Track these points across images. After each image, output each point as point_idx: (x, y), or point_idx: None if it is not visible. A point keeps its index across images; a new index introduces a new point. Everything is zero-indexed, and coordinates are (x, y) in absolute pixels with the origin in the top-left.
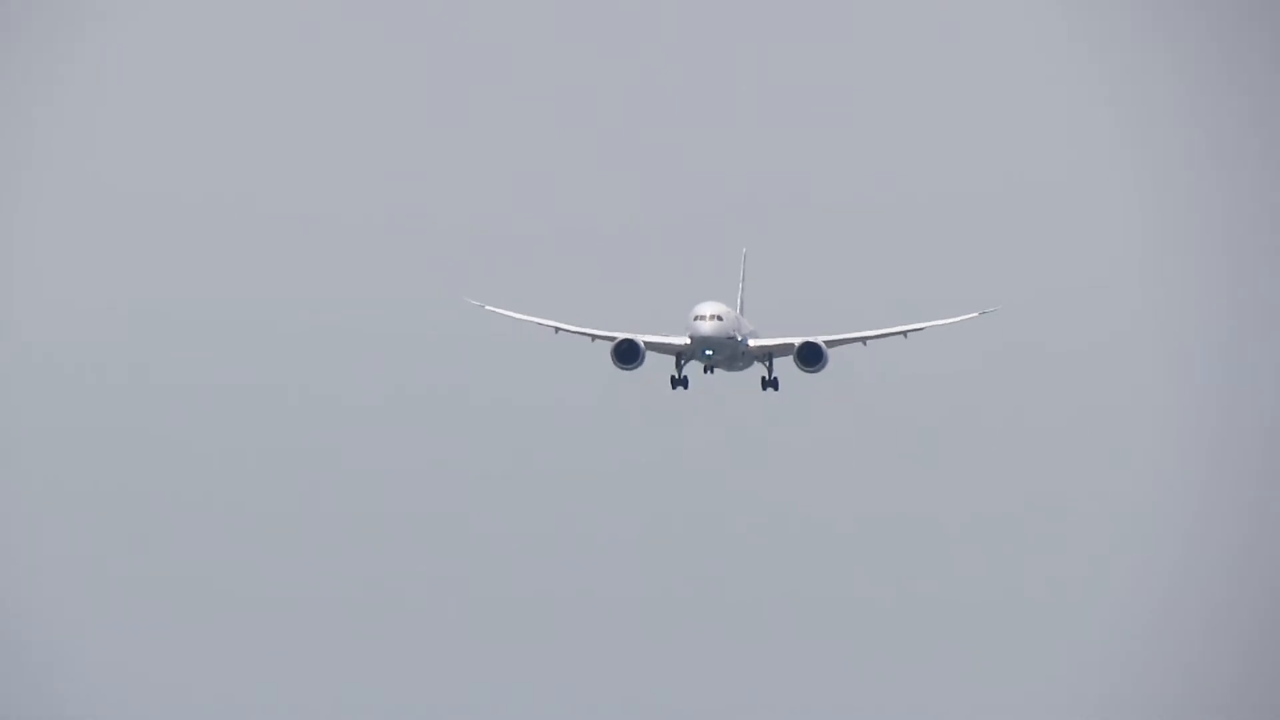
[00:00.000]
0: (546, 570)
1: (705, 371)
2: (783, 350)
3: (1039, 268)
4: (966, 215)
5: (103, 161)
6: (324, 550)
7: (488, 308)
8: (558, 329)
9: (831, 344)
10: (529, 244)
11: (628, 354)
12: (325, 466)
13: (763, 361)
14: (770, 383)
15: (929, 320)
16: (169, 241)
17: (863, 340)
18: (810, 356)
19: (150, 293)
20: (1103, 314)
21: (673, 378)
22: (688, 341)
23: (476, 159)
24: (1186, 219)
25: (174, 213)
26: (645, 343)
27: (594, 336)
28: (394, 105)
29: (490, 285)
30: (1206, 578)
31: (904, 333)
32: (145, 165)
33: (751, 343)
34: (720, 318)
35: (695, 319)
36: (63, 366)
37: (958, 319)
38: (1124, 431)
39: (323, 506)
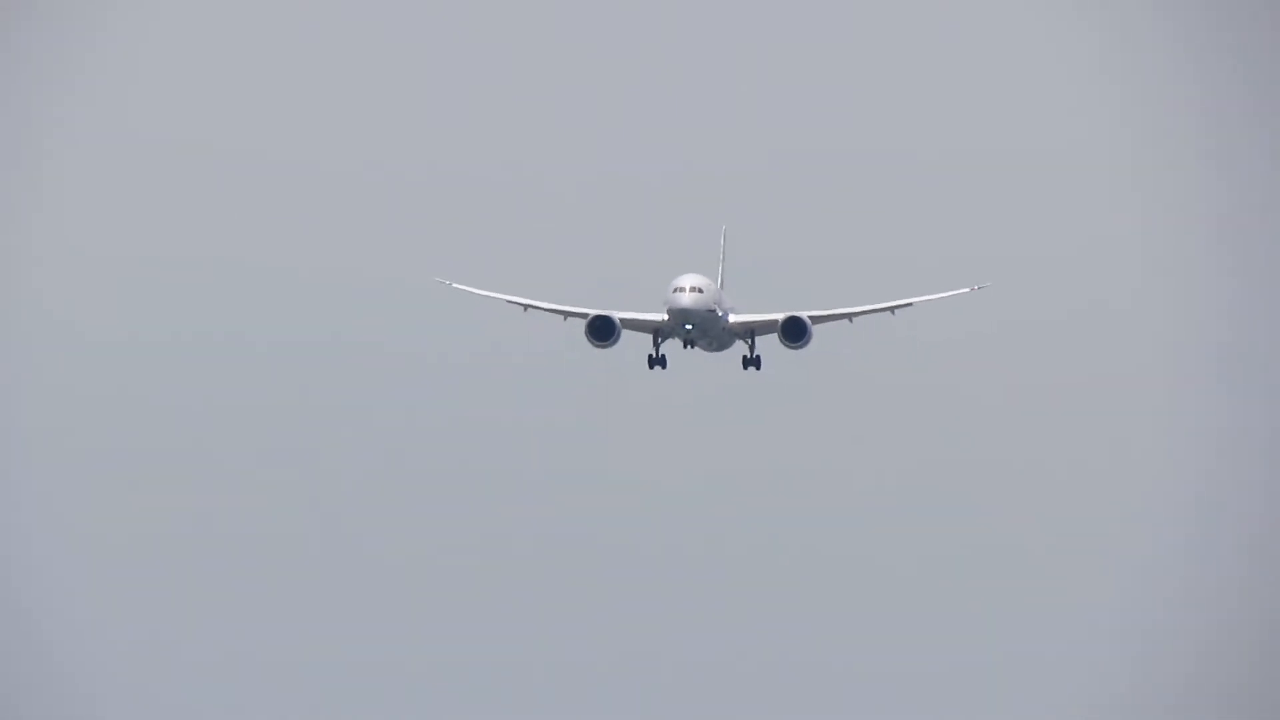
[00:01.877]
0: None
1: (685, 346)
2: (765, 326)
3: (1031, 239)
4: (958, 185)
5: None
6: (308, 521)
7: (454, 285)
8: (527, 306)
9: (816, 321)
10: (497, 218)
11: (602, 330)
12: (296, 438)
13: (744, 339)
14: (752, 361)
15: (919, 295)
16: (147, 198)
17: (849, 317)
18: (795, 331)
19: (125, 248)
20: (1098, 286)
21: (650, 356)
22: (665, 317)
23: (442, 128)
24: (1185, 190)
25: (155, 170)
26: (621, 319)
27: (566, 314)
28: (373, 78)
29: (457, 260)
30: (1211, 562)
31: (892, 309)
32: (140, 123)
33: (733, 318)
34: (701, 290)
35: (674, 291)
36: (65, 319)
37: (949, 294)
38: (1121, 411)
39: (302, 474)
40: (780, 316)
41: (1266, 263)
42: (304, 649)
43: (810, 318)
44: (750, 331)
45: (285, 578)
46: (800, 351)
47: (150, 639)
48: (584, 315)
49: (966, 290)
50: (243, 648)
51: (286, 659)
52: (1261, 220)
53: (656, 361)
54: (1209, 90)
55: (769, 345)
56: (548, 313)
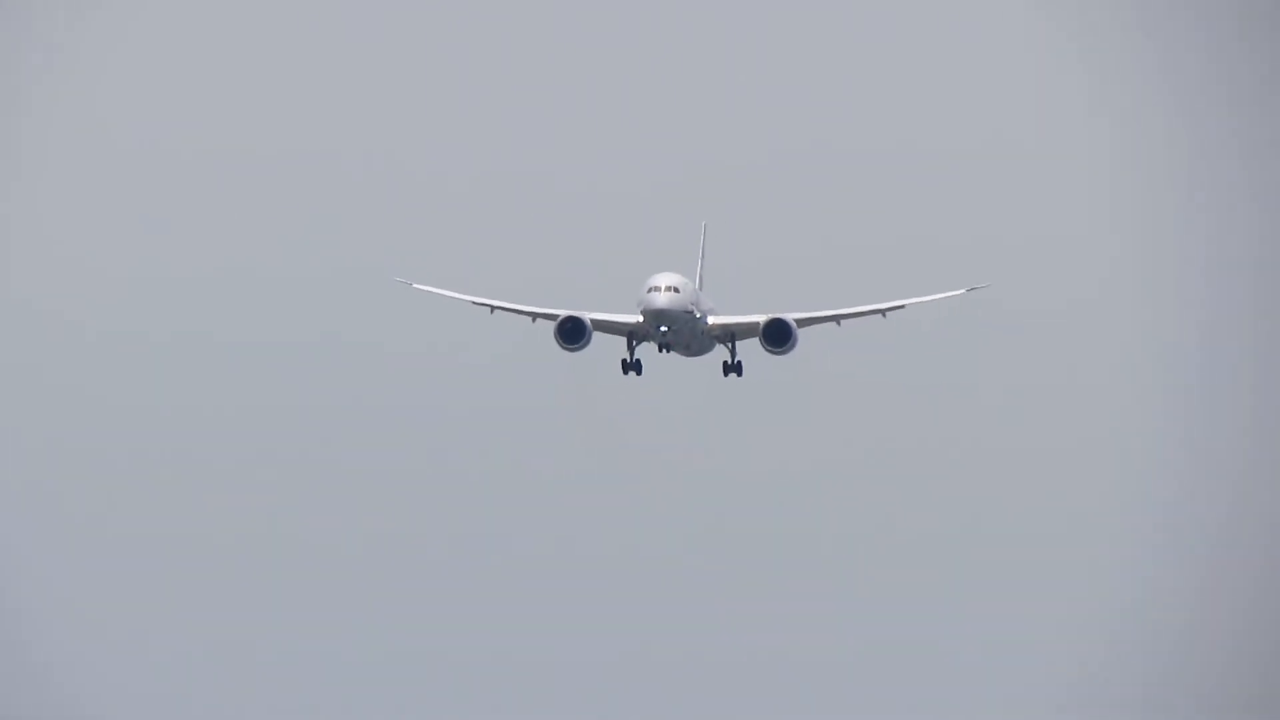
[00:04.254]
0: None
1: (660, 350)
2: (747, 330)
3: (1022, 235)
4: (951, 181)
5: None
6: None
7: (415, 285)
8: (494, 308)
9: (801, 324)
10: (461, 214)
11: (573, 333)
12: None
13: (724, 343)
14: (733, 367)
15: (911, 297)
16: (129, 200)
17: (836, 320)
18: (777, 335)
19: (103, 248)
20: (1089, 281)
21: (624, 361)
22: (640, 319)
23: (411, 120)
24: (1173, 184)
25: (137, 171)
26: (592, 320)
27: (535, 315)
28: (344, 77)
29: (418, 259)
30: (1189, 560)
31: (883, 311)
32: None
33: (711, 320)
34: (677, 289)
35: (649, 291)
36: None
37: (943, 295)
38: (1106, 407)
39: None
40: (762, 319)
41: (1251, 260)
42: (287, 646)
43: (795, 320)
44: (731, 335)
45: (264, 577)
46: (784, 357)
47: (135, 636)
48: (553, 317)
49: (962, 291)
50: (225, 644)
51: (269, 656)
52: (1245, 216)
53: (630, 367)
54: (1199, 83)
55: (751, 350)
56: (516, 314)
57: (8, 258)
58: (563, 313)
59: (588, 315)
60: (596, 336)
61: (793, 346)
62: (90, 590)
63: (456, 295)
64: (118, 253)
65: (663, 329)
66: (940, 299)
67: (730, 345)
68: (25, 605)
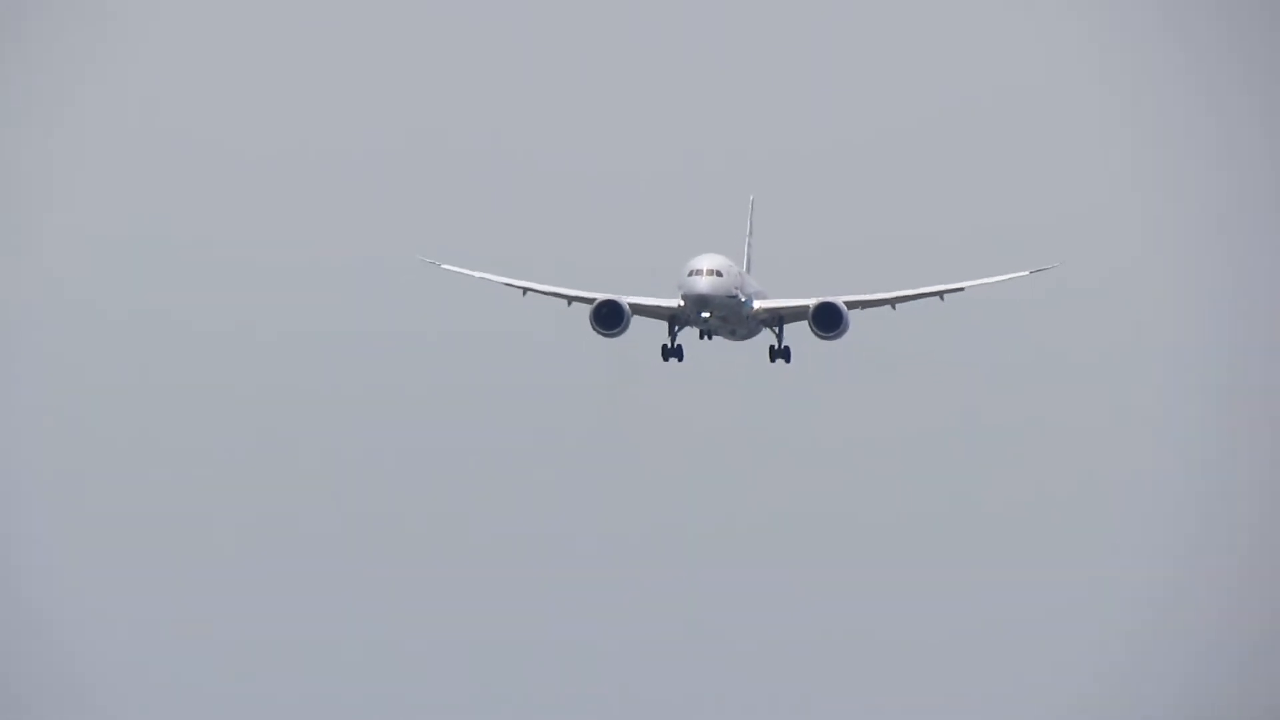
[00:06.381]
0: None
1: (701, 336)
2: (795, 313)
3: (1074, 217)
4: (1012, 159)
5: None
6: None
7: (444, 266)
8: (526, 290)
9: (853, 307)
10: (498, 195)
11: (610, 317)
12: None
13: (771, 327)
14: (780, 352)
15: (970, 279)
16: (155, 186)
17: (891, 303)
18: (827, 320)
19: (124, 233)
20: (1136, 261)
21: (664, 347)
22: (681, 303)
23: (444, 103)
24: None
25: (162, 157)
26: (631, 304)
27: (570, 299)
28: (363, 46)
29: (449, 238)
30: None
31: (940, 294)
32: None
33: (758, 304)
34: (720, 273)
35: (690, 274)
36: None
37: (1005, 277)
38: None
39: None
40: (811, 302)
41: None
42: (338, 633)
43: (846, 304)
44: (778, 319)
45: (294, 565)
46: (834, 342)
47: (144, 624)
48: (590, 300)
49: (1025, 273)
50: (239, 633)
51: (284, 644)
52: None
53: (672, 352)
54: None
55: (799, 334)
56: (550, 297)
57: (43, 246)
58: (600, 296)
59: (626, 299)
60: (636, 321)
61: (844, 331)
62: (136, 583)
63: (486, 276)
64: (152, 241)
65: (704, 314)
66: (1002, 281)
67: (778, 329)
68: (49, 592)
